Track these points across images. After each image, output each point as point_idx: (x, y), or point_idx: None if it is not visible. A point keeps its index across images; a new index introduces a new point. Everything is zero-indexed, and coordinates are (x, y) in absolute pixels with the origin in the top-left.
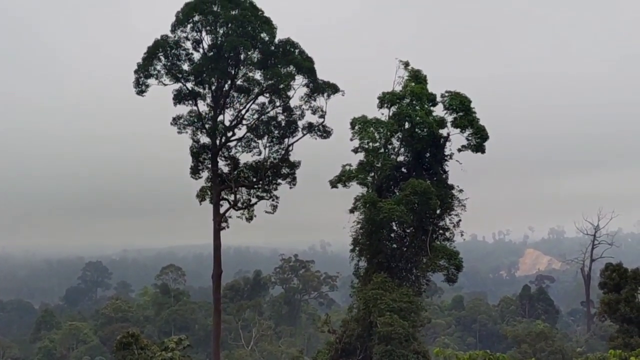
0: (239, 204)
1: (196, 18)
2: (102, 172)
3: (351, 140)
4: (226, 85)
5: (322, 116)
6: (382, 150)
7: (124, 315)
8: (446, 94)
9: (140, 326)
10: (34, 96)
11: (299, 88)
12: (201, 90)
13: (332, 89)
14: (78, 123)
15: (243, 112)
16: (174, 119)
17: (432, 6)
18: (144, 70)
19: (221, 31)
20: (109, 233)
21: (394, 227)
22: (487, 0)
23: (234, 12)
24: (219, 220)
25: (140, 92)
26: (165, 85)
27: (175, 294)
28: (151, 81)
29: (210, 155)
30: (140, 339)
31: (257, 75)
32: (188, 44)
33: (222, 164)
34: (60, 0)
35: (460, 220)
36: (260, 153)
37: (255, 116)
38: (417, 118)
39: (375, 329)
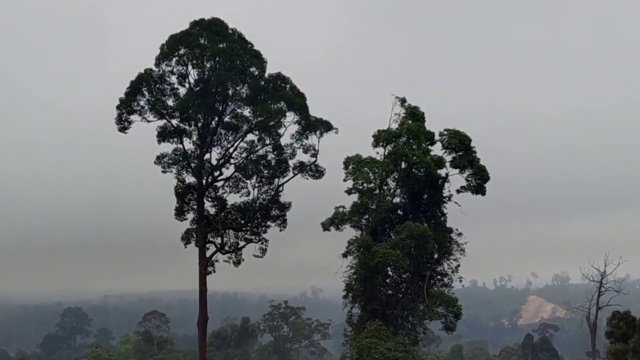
0: (226, 248)
1: (182, 51)
2: (82, 213)
3: (344, 180)
4: (213, 122)
5: (314, 155)
6: (377, 191)
7: None
8: (445, 132)
9: None
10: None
11: (290, 125)
12: (187, 127)
13: (325, 126)
14: (56, 160)
15: (231, 150)
16: (158, 157)
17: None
18: (127, 106)
19: (208, 65)
20: (89, 277)
21: (390, 273)
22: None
23: (221, 45)
24: (205, 265)
25: (123, 129)
26: (149, 121)
27: (159, 341)
28: (134, 117)
29: (196, 196)
30: None
31: (246, 111)
32: (173, 79)
33: (208, 205)
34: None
35: (459, 265)
36: (248, 194)
37: (244, 155)
38: (414, 157)
39: None
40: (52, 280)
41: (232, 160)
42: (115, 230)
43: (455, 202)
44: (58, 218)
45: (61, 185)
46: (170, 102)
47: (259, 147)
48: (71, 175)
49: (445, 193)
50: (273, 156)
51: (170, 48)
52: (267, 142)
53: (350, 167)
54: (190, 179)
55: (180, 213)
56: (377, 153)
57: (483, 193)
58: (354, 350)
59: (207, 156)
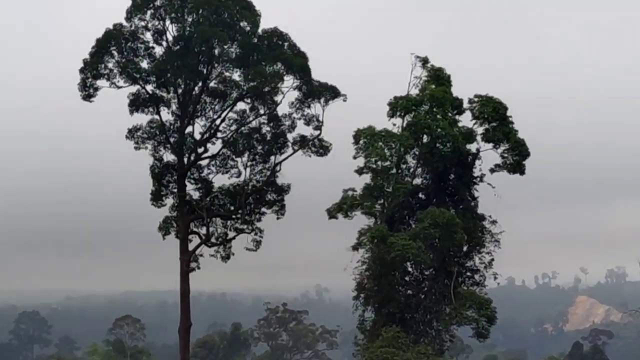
0: (213, 239)
1: (158, 2)
2: (38, 198)
3: (355, 158)
4: (196, 88)
5: (318, 127)
6: (393, 170)
7: None
8: (475, 99)
9: None
10: None
11: (288, 91)
12: (164, 95)
13: (330, 92)
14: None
15: (218, 122)
16: (130, 130)
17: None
18: (92, 69)
19: (190, 19)
20: (48, 275)
21: (409, 269)
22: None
23: None
24: (188, 260)
25: (88, 97)
26: (119, 87)
27: (133, 352)
28: (101, 82)
29: (176, 177)
30: None
31: (236, 75)
32: (148, 35)
33: (191, 188)
34: None
35: (493, 259)
36: (239, 174)
37: (233, 127)
38: (439, 130)
39: None
40: (5, 279)
41: (219, 134)
42: (79, 220)
43: (488, 184)
44: (7, 205)
45: (12, 167)
46: (144, 65)
47: (251, 118)
48: (24, 156)
49: (476, 172)
50: (268, 129)
51: None
52: (261, 112)
53: (361, 141)
54: (169, 156)
55: (157, 198)
56: (394, 125)
57: (522, 172)
58: None
59: (189, 129)
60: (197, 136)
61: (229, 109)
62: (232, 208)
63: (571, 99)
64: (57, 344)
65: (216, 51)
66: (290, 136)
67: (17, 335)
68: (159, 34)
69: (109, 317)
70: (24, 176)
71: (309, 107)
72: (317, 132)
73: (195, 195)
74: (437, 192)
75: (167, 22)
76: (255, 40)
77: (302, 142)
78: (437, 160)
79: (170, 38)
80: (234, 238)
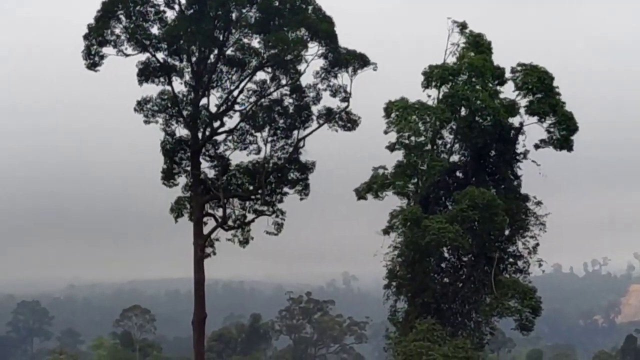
0: (230, 222)
1: None
2: (40, 179)
3: (386, 133)
4: (212, 56)
5: (346, 99)
6: (428, 146)
7: None
8: (518, 68)
9: None
10: None
11: (313, 60)
12: (177, 63)
13: (359, 61)
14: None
15: (235, 93)
16: (139, 103)
17: None
18: (98, 35)
19: None
20: (50, 262)
21: (446, 255)
22: None
23: None
24: (202, 245)
25: (93, 66)
26: (126, 55)
27: (142, 346)
28: (107, 50)
29: (189, 154)
30: None
31: (255, 41)
32: None
33: (205, 166)
34: None
35: (537, 244)
36: (259, 151)
37: (253, 99)
38: (478, 102)
39: None
40: (2, 267)
41: (236, 107)
42: (83, 201)
43: (533, 161)
44: (3, 185)
45: (11, 145)
46: (154, 30)
47: (272, 89)
48: (25, 132)
49: (520, 149)
50: (291, 101)
51: None
52: (283, 82)
53: (393, 114)
54: (181, 131)
55: (168, 176)
56: (429, 96)
57: (569, 148)
58: (399, 358)
59: (203, 101)
60: (213, 109)
61: (247, 79)
62: (251, 188)
63: (620, 73)
64: (59, 337)
65: (233, 15)
66: (314, 109)
67: (16, 328)
68: None
69: (115, 308)
70: (20, 154)
71: (335, 77)
72: (344, 105)
73: (211, 173)
74: (476, 170)
75: None
76: (277, 3)
77: (328, 116)
78: (477, 135)
79: (183, 1)
80: (253, 221)
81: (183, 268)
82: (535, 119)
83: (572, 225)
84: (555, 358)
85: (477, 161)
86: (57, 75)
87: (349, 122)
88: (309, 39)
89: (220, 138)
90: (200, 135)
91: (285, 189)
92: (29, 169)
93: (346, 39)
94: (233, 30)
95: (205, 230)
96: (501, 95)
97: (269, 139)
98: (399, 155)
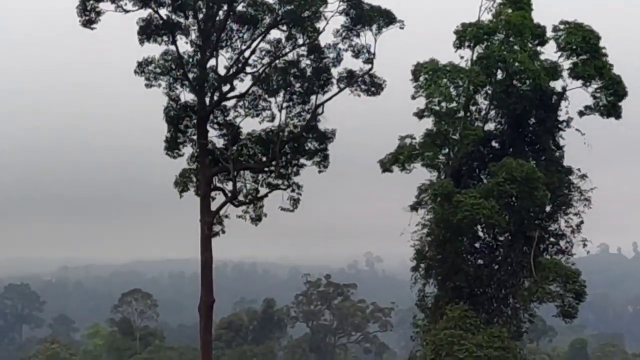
0: (241, 197)
1: None
2: (29, 149)
3: (413, 98)
4: (220, 13)
5: (370, 60)
6: (461, 113)
7: None
8: (561, 27)
9: None
10: None
11: (333, 17)
12: (182, 20)
13: (384, 17)
14: None
15: (247, 54)
16: (139, 64)
17: None
18: None
19: None
20: (40, 241)
21: (480, 233)
22: None
23: None
24: (210, 222)
25: (88, 23)
26: (126, 11)
27: (143, 334)
28: (105, 5)
29: (195, 121)
30: None
31: None
32: None
33: (214, 135)
34: None
35: (582, 222)
36: (273, 118)
37: (266, 60)
38: (516, 64)
39: None
40: None
41: (248, 69)
42: (76, 174)
43: (577, 129)
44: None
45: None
46: None
47: (287, 50)
48: (8, 96)
49: (562, 116)
50: (308, 62)
51: None
52: (300, 41)
53: (421, 78)
54: (187, 96)
55: (172, 146)
56: (462, 58)
57: (617, 115)
58: (427, 347)
59: (211, 63)
60: (222, 71)
61: (260, 38)
62: (264, 159)
63: None
64: (50, 324)
65: None
66: (334, 71)
67: (2, 314)
68: None
69: (113, 292)
70: (5, 122)
71: (357, 35)
72: (367, 67)
73: (219, 143)
74: (513, 140)
75: None
76: None
77: (350, 79)
78: (514, 101)
79: None
80: (266, 195)
81: (188, 248)
82: (580, 82)
83: (620, 201)
84: (600, 348)
85: (514, 130)
86: (49, 35)
87: (373, 86)
88: None
89: (229, 103)
90: (207, 100)
91: (302, 161)
92: (13, 137)
93: None
94: None
95: (214, 206)
96: (542, 57)
97: (284, 104)
98: (428, 123)
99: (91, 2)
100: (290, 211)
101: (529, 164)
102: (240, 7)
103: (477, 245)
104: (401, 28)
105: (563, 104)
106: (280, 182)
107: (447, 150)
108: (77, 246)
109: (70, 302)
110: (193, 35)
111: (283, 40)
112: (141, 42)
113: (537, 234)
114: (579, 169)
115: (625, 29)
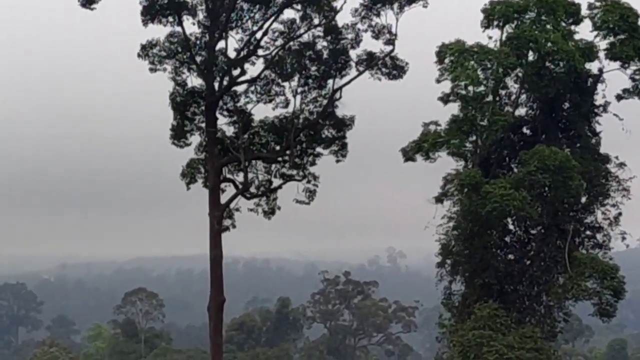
0: (253, 189)
1: None
2: (26, 140)
3: (438, 82)
4: None
5: (391, 42)
6: (489, 98)
7: None
8: (597, 4)
9: None
10: None
11: None
12: (188, 0)
13: None
14: None
15: (258, 35)
16: (143, 47)
17: None
18: None
19: None
20: (37, 237)
21: (510, 226)
22: None
23: None
24: (220, 216)
25: (88, 3)
26: None
27: (148, 336)
28: None
29: (203, 108)
30: None
31: None
32: None
33: (223, 122)
34: None
35: (620, 214)
36: (287, 104)
37: (279, 42)
38: (549, 44)
39: None
40: None
41: (260, 52)
42: (77, 166)
43: (614, 114)
44: None
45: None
46: None
47: (302, 30)
48: (7, 84)
49: (599, 100)
50: (325, 44)
51: None
52: (316, 21)
53: (447, 60)
54: (194, 81)
55: (179, 135)
56: (490, 38)
57: None
58: (454, 349)
59: (220, 45)
60: (232, 54)
61: (272, 18)
62: (277, 148)
63: None
64: (49, 326)
65: None
66: (353, 53)
67: None
68: None
69: (116, 291)
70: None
71: (378, 15)
72: (388, 48)
73: (230, 131)
74: (546, 126)
75: None
76: None
77: (370, 61)
78: (547, 85)
79: None
80: (279, 187)
81: (197, 243)
82: (617, 64)
83: None
84: None
85: (547, 115)
86: (47, 16)
87: (395, 69)
88: None
89: (240, 89)
90: (216, 85)
91: (319, 149)
92: (10, 126)
93: None
94: None
95: (223, 198)
96: (576, 37)
97: (299, 89)
98: (454, 108)
99: None
100: (305, 204)
101: (562, 152)
102: None
103: (507, 239)
104: (424, 6)
105: (599, 87)
106: (294, 172)
107: (474, 138)
108: (77, 242)
109: (70, 302)
110: (200, 16)
111: (297, 21)
112: (145, 23)
113: (572, 226)
114: (616, 157)
115: None
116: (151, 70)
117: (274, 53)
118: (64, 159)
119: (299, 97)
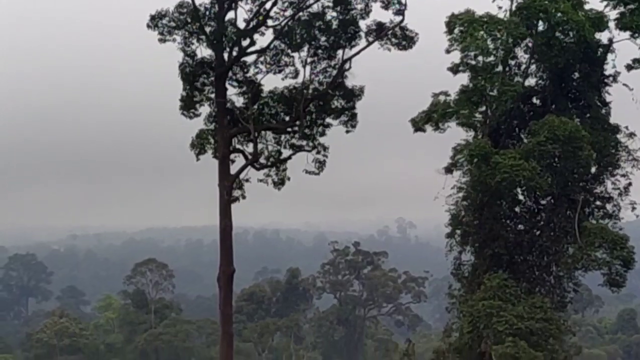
0: (262, 159)
1: None
2: (36, 108)
3: (448, 52)
4: None
5: (401, 12)
6: (499, 68)
7: (73, 342)
8: None
9: None
10: None
11: None
12: None
13: None
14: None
15: (268, 5)
16: (152, 17)
17: None
18: None
19: None
20: (48, 207)
21: (520, 197)
22: None
23: None
24: (230, 186)
25: None
26: None
27: (158, 307)
28: None
29: (213, 78)
30: None
31: None
32: None
33: (233, 93)
34: None
35: (630, 184)
36: (296, 74)
37: (289, 13)
38: (559, 14)
39: None
40: None
41: (269, 22)
42: (86, 135)
43: (624, 84)
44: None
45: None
46: None
47: (312, 1)
48: (19, 55)
49: (609, 70)
50: (334, 14)
51: None
52: None
53: (456, 30)
54: (204, 51)
55: (188, 105)
56: (499, 8)
57: None
58: (464, 319)
59: (230, 15)
60: (241, 25)
61: None
62: (287, 118)
63: None
64: (59, 297)
65: None
66: (363, 24)
67: (7, 286)
68: None
69: (126, 262)
70: (10, 78)
71: None
72: (398, 18)
73: (239, 101)
74: (556, 96)
75: None
76: None
77: (379, 32)
78: (557, 55)
79: None
80: (289, 158)
81: (206, 214)
82: (627, 34)
83: None
84: None
85: (557, 85)
86: None
87: (404, 39)
88: None
89: (249, 59)
90: (226, 56)
91: (328, 120)
92: (19, 95)
93: None
94: None
95: (233, 169)
96: (586, 7)
97: (309, 59)
98: (463, 78)
99: None
100: (315, 174)
101: (572, 122)
102: None
103: (517, 209)
104: None
105: (609, 57)
106: (304, 143)
107: (484, 108)
108: (87, 213)
109: (80, 272)
110: None
111: None
112: None
113: (581, 197)
114: (626, 127)
115: None
116: (160, 40)
117: (283, 23)
118: (74, 129)
119: (308, 67)
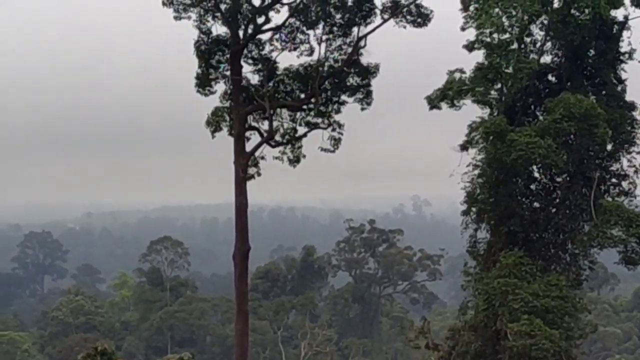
0: (278, 137)
1: None
2: (51, 86)
3: (463, 30)
4: None
5: None
6: (514, 45)
7: (88, 320)
8: None
9: (116, 338)
10: None
11: None
12: None
13: None
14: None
15: None
16: None
17: None
18: None
19: None
20: (63, 186)
21: (536, 174)
22: None
23: None
24: (245, 163)
25: None
26: None
27: (174, 285)
28: None
29: (228, 56)
30: (116, 358)
31: None
32: None
33: (248, 70)
34: None
35: None
36: (311, 51)
37: None
38: None
39: (504, 343)
40: (6, 190)
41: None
42: (100, 113)
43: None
44: (13, 97)
45: (18, 46)
46: None
47: None
48: (31, 31)
49: (624, 47)
50: None
51: None
52: None
53: (471, 7)
54: (219, 29)
55: (204, 83)
56: None
57: None
58: (479, 297)
59: None
60: (256, 2)
61: None
62: (302, 96)
63: None
64: (74, 275)
65: None
66: (378, 1)
67: (23, 264)
68: None
69: (141, 240)
70: (24, 56)
71: None
72: None
73: (254, 79)
74: (571, 74)
75: None
76: None
77: (394, 9)
78: (572, 32)
79: None
80: (305, 135)
81: (222, 192)
82: None
83: None
84: None
85: (573, 62)
86: None
87: (420, 16)
88: None
89: (265, 37)
90: (241, 33)
91: (344, 97)
92: (35, 73)
93: None
94: None
95: (249, 146)
96: None
97: (324, 37)
98: (479, 56)
99: None
100: (330, 152)
101: (588, 100)
102: None
103: (532, 187)
104: None
105: (625, 34)
106: (319, 120)
107: (499, 85)
108: (103, 190)
109: (96, 250)
110: None
111: None
112: None
113: (597, 174)
114: None
115: None
116: (176, 18)
117: (298, 1)
118: (90, 107)
119: (323, 45)
